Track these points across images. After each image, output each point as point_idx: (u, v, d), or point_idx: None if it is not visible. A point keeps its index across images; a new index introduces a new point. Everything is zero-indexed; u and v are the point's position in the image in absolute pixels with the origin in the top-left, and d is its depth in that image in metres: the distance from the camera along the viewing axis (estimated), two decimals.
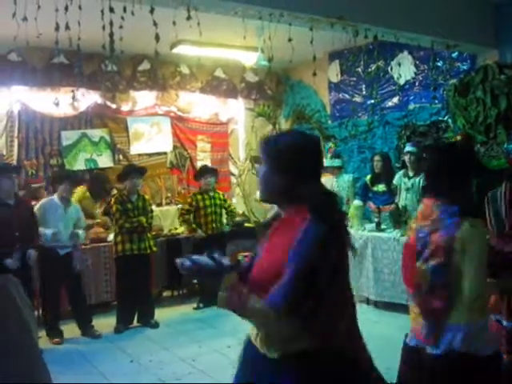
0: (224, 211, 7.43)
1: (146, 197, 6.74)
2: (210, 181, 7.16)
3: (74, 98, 6.11)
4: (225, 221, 7.54)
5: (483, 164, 4.90)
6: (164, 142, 8.77)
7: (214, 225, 7.12)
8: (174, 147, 8.86)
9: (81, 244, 6.28)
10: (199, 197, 7.11)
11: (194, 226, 7.12)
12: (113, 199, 6.45)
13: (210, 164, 9.05)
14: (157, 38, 4.05)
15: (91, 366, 5.11)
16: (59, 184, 5.98)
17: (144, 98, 8.35)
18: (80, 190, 7.35)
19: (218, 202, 7.23)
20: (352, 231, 6.88)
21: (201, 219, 7.09)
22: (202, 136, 9.18)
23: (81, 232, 6.09)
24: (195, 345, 5.64)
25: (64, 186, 5.91)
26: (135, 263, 6.20)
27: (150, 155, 8.61)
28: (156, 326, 6.33)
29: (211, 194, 7.18)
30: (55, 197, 5.95)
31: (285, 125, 9.58)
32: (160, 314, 6.57)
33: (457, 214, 2.47)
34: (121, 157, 8.37)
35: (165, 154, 8.80)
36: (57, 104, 6.06)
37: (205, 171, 7.32)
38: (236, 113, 9.44)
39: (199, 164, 9.03)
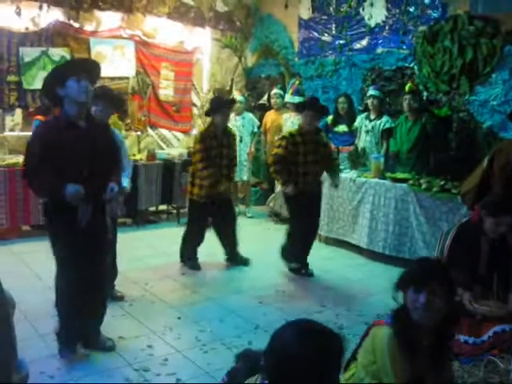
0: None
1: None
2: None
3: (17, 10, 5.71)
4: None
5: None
6: (127, 66, 8.54)
7: None
8: (137, 73, 8.65)
9: None
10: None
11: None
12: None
13: (172, 93, 8.92)
14: None
15: None
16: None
17: (109, 19, 8.08)
18: None
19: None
20: None
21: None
22: (166, 63, 8.97)
23: None
24: None
25: None
26: None
27: (112, 79, 8.40)
28: None
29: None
30: None
31: (251, 58, 9.48)
32: None
33: None
34: None
35: (127, 78, 8.60)
36: (18, 13, 5.73)
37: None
38: (202, 42, 9.23)
39: (162, 92, 8.88)
